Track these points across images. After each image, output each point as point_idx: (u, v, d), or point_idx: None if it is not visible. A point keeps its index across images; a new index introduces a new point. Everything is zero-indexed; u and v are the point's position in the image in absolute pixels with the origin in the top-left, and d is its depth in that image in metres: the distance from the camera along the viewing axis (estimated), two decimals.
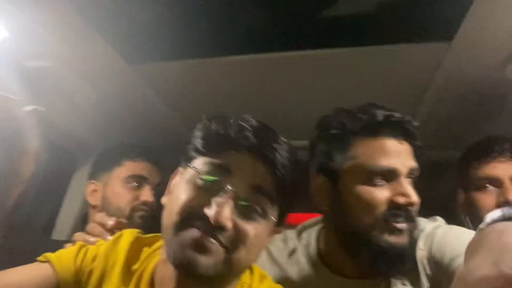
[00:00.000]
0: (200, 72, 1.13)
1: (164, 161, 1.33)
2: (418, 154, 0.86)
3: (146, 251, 0.78)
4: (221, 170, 0.65)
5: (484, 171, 1.12)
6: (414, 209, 0.82)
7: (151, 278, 0.72)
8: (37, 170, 0.73)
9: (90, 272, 0.75)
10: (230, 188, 0.63)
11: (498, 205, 1.07)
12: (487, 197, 1.11)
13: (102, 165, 1.36)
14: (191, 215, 0.63)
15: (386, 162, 0.81)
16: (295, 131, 1.11)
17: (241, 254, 0.64)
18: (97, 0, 0.91)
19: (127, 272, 0.74)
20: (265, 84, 1.18)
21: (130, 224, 1.13)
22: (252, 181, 0.65)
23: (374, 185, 0.81)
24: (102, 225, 0.93)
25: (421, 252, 0.85)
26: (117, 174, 1.31)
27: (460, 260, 0.67)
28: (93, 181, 1.35)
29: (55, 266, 0.74)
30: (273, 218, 0.67)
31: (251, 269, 0.75)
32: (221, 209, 0.61)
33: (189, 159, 0.70)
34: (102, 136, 1.46)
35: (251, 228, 0.64)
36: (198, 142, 0.70)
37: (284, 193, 0.67)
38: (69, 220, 1.49)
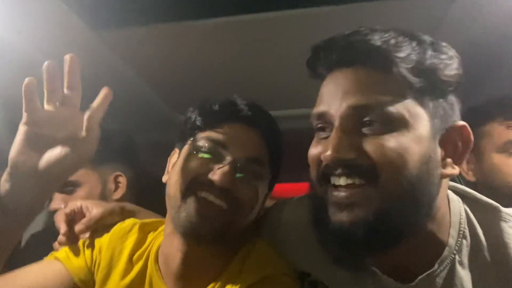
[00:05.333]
0: (171, 37, 1.01)
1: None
2: None
3: (152, 235, 0.84)
4: (219, 144, 0.73)
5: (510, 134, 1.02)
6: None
7: (157, 256, 0.79)
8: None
9: (99, 263, 0.81)
10: (228, 158, 0.71)
11: None
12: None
13: None
14: (197, 182, 0.71)
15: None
16: (277, 100, 1.02)
17: (241, 215, 0.73)
18: None
19: (130, 262, 0.80)
20: (241, 48, 1.06)
21: None
22: (247, 151, 0.73)
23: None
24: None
25: None
26: None
27: None
28: None
29: (65, 266, 0.80)
30: (267, 181, 0.78)
31: (250, 241, 0.80)
32: (224, 175, 0.69)
33: (187, 137, 0.77)
34: None
35: (249, 189, 0.73)
36: (197, 120, 0.78)
37: (275, 160, 0.78)
38: None
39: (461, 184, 1.38)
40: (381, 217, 0.57)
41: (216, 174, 0.69)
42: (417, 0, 0.87)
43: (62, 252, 0.84)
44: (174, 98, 1.33)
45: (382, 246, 0.60)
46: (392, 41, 0.59)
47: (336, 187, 0.61)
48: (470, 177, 1.10)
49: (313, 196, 0.66)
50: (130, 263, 0.81)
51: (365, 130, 0.59)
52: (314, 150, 0.65)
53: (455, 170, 0.63)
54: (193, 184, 0.71)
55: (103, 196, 1.20)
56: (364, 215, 0.58)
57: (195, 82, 1.24)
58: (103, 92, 0.65)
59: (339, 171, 0.60)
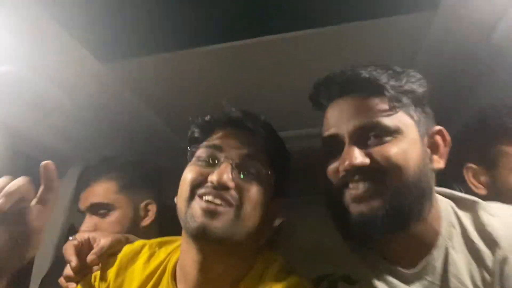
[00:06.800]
0: (177, 66, 1.08)
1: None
2: None
3: (165, 250, 0.86)
4: (214, 148, 0.77)
5: None
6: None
7: (174, 271, 0.80)
8: None
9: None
10: (224, 157, 0.75)
11: None
12: None
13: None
14: (198, 186, 0.74)
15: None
16: (286, 120, 1.07)
17: (247, 211, 0.73)
18: None
19: (142, 280, 0.81)
20: (248, 71, 1.13)
21: None
22: (241, 150, 0.77)
23: None
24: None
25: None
26: None
27: None
28: None
29: None
30: (270, 182, 0.79)
31: (263, 253, 0.81)
32: (222, 173, 0.72)
33: (192, 152, 0.82)
34: (79, 147, 1.38)
35: (251, 187, 0.75)
36: (194, 133, 0.84)
37: (276, 160, 0.80)
38: (54, 233, 1.42)
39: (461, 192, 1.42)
40: (393, 205, 0.71)
41: (214, 174, 0.72)
42: (400, 19, 0.95)
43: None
44: (180, 124, 1.38)
45: (394, 229, 0.73)
46: (375, 73, 0.76)
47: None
48: (481, 191, 1.09)
49: (330, 202, 0.80)
50: (142, 281, 0.81)
51: (370, 142, 0.74)
52: (332, 166, 0.79)
53: (441, 164, 0.79)
54: (195, 188, 0.74)
55: (133, 222, 1.23)
56: (379, 205, 0.72)
57: (201, 108, 1.29)
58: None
59: (356, 177, 0.74)
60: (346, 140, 0.75)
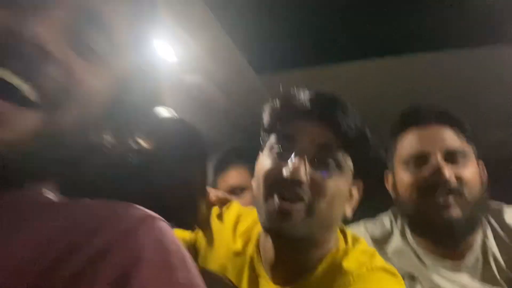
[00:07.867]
0: (319, 80, 1.28)
1: None
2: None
3: (251, 215, 0.88)
4: (288, 139, 0.73)
5: None
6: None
7: (257, 242, 0.83)
8: None
9: (201, 239, 0.94)
10: (297, 149, 0.70)
11: None
12: None
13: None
14: (273, 181, 0.70)
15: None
16: None
17: (322, 205, 0.69)
18: (235, 12, 1.10)
19: (233, 236, 0.88)
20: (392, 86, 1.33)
21: None
22: (316, 140, 0.71)
23: None
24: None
25: None
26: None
27: None
28: None
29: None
30: (348, 170, 0.74)
31: (344, 234, 0.81)
32: (295, 168, 0.68)
33: (265, 141, 0.78)
34: (225, 140, 1.69)
35: (326, 180, 0.70)
36: (266, 120, 0.78)
37: (352, 143, 0.73)
38: None
39: None
40: (469, 214, 0.93)
41: (287, 169, 0.68)
42: None
43: None
44: None
45: (469, 232, 0.96)
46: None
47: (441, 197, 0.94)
48: None
49: (411, 210, 0.98)
50: (234, 237, 0.87)
51: (452, 161, 0.93)
52: (414, 177, 0.96)
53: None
54: (271, 184, 0.71)
55: None
56: (462, 214, 0.92)
57: None
58: None
59: (444, 189, 0.91)
60: (438, 158, 0.93)
